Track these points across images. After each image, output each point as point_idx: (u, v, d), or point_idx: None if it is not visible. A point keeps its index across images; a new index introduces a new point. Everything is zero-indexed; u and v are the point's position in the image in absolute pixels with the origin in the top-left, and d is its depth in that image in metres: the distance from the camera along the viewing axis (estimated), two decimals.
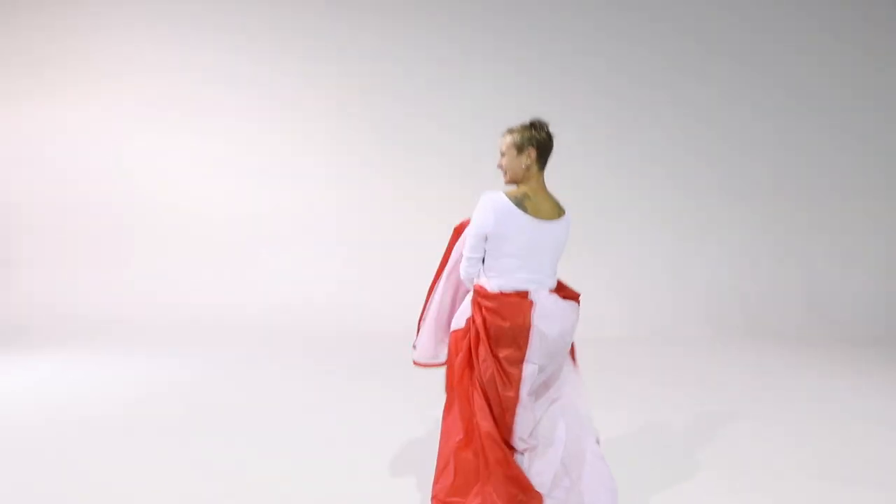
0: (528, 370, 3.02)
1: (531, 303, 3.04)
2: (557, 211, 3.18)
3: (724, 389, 6.06)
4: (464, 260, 3.18)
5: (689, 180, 9.47)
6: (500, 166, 3.23)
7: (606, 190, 9.27)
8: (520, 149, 3.15)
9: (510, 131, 3.20)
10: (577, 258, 7.35)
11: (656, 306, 8.96)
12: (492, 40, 8.84)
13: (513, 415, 2.99)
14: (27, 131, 8.85)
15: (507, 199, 3.06)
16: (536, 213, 3.09)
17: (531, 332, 3.00)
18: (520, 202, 3.07)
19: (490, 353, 3.02)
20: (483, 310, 3.06)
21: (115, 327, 8.02)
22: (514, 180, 3.21)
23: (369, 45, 8.75)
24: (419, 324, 3.48)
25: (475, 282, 3.19)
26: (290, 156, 8.85)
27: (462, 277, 3.25)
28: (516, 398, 3.01)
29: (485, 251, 3.11)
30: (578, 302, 3.26)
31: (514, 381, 3.01)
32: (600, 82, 9.13)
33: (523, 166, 3.16)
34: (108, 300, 8.47)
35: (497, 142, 3.27)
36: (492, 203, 3.05)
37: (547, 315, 3.05)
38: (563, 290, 3.24)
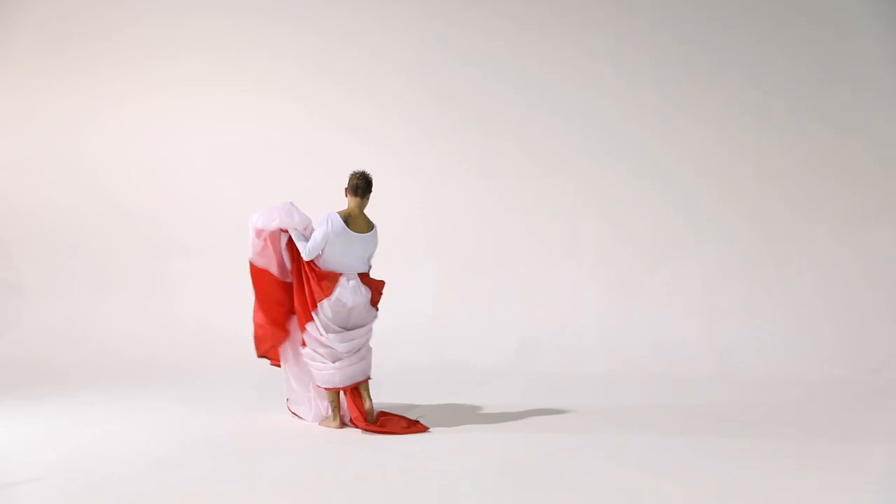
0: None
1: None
2: (368, 225, 5.34)
3: None
4: (312, 251, 5.16)
5: None
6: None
7: (804, 182, 8.08)
8: (346, 190, 5.40)
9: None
10: (763, 272, 7.80)
11: (872, 336, 7.60)
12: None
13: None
14: None
15: (339, 219, 5.20)
16: (357, 228, 5.26)
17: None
18: (346, 220, 5.23)
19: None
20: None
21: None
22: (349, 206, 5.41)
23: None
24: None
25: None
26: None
27: (306, 258, 5.19)
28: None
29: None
30: (377, 289, 5.36)
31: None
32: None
33: (348, 197, 5.38)
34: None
35: None
36: (331, 222, 5.17)
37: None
38: (366, 279, 5.31)
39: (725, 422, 5.48)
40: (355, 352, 5.20)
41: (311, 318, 5.16)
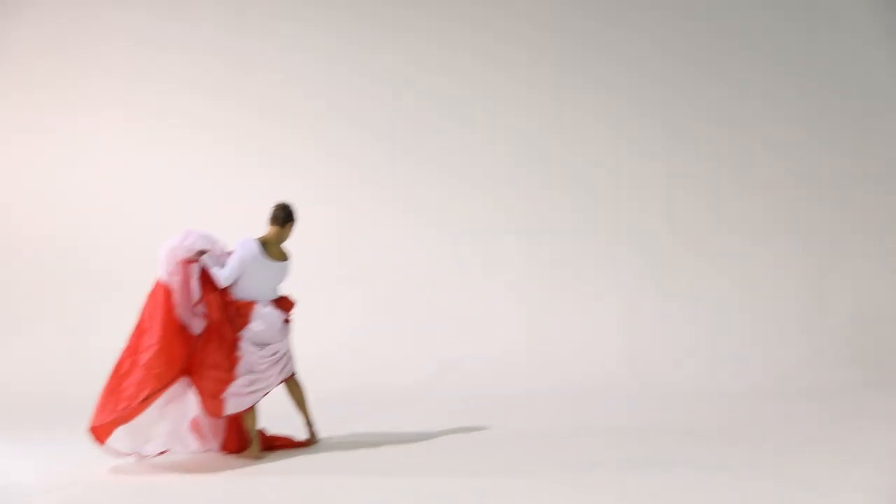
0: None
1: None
2: (283, 255, 5.41)
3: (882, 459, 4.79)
4: (229, 277, 5.13)
5: (822, 167, 8.18)
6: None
7: (714, 191, 8.26)
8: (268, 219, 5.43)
9: None
10: (680, 287, 7.81)
11: (786, 344, 7.74)
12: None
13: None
14: None
15: (256, 244, 5.27)
16: (272, 256, 5.31)
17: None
18: (263, 246, 5.29)
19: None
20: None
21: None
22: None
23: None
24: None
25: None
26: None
27: (223, 284, 5.13)
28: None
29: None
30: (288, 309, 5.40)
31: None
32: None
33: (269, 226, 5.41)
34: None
35: None
36: (247, 246, 5.22)
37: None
38: (277, 301, 5.36)
39: (647, 435, 5.52)
40: (276, 363, 5.21)
41: (237, 347, 5.07)
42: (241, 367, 5.05)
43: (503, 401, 6.84)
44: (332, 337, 7.06)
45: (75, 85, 8.32)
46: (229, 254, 5.20)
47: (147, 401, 4.79)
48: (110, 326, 7.28)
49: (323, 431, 5.65)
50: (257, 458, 5.09)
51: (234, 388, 4.99)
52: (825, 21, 8.15)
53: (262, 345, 5.15)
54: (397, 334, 7.80)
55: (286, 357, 5.33)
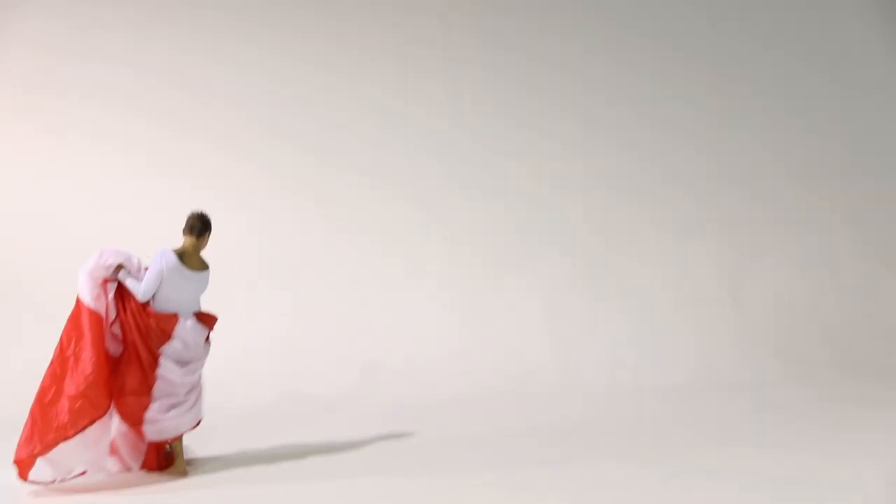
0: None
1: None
2: (203, 265, 5.24)
3: (805, 449, 5.03)
4: (148, 290, 4.97)
5: (742, 163, 8.35)
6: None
7: (636, 189, 8.32)
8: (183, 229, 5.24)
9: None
10: (603, 286, 7.87)
11: (710, 341, 7.82)
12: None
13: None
14: None
15: (174, 255, 5.09)
16: (191, 266, 5.14)
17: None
18: (181, 257, 5.12)
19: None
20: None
21: None
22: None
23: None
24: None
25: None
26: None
27: (142, 299, 4.97)
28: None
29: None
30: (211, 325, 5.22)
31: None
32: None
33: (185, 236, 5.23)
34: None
35: None
36: (164, 257, 5.04)
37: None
38: (200, 316, 5.18)
39: (570, 437, 5.56)
40: (194, 388, 5.06)
41: (156, 364, 4.87)
42: (159, 389, 4.87)
43: (430, 405, 6.79)
44: (255, 345, 6.87)
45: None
46: (146, 269, 5.01)
47: (82, 430, 4.61)
48: (22, 348, 7.20)
49: (249, 441, 5.58)
50: (182, 473, 4.95)
51: (151, 412, 4.82)
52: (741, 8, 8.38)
53: (183, 362, 4.99)
54: (320, 341, 7.65)
55: (198, 392, 5.11)
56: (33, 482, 4.64)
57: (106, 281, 4.94)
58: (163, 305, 4.98)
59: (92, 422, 4.64)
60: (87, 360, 4.70)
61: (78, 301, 4.86)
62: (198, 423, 5.07)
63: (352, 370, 7.44)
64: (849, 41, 8.46)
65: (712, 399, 6.61)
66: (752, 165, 8.32)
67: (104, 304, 4.86)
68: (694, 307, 8.01)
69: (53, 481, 4.68)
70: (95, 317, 4.79)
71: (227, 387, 5.48)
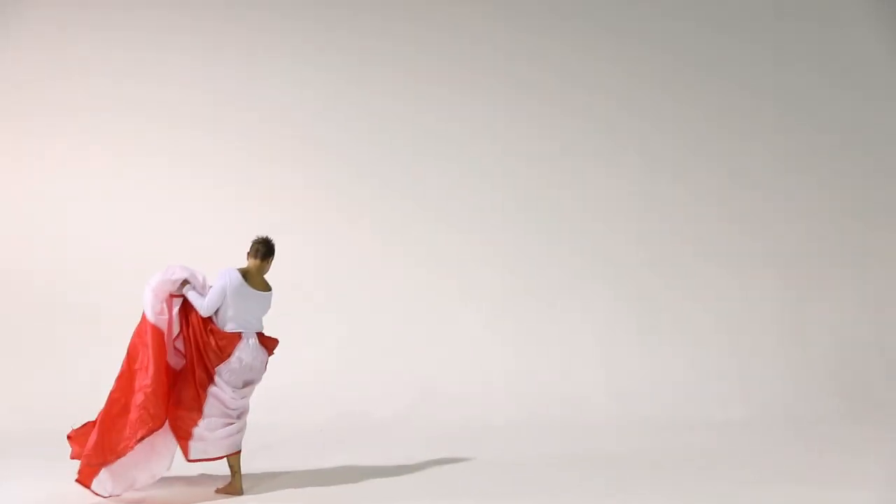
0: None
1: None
2: (266, 286, 5.35)
3: (871, 487, 4.87)
4: (210, 306, 5.11)
5: (802, 198, 8.20)
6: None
7: (694, 223, 8.24)
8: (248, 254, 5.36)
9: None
10: (660, 318, 7.84)
11: (767, 376, 7.67)
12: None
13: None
14: None
15: (238, 274, 5.21)
16: (254, 286, 5.25)
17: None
18: (244, 277, 5.22)
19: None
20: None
21: None
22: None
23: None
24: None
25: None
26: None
27: (204, 314, 5.11)
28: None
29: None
30: (271, 348, 5.31)
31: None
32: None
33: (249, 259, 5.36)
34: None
35: None
36: (229, 275, 5.18)
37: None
38: (262, 338, 5.28)
39: (622, 470, 5.49)
40: (245, 412, 5.15)
41: (209, 383, 4.97)
42: (209, 407, 4.96)
43: (482, 431, 6.79)
44: (310, 366, 6.94)
45: (53, 115, 8.25)
46: (211, 287, 5.14)
47: (141, 440, 4.74)
48: (89, 360, 7.37)
49: (303, 462, 5.67)
50: (238, 492, 5.02)
51: (199, 429, 4.91)
52: (812, 47, 8.26)
53: (237, 384, 5.06)
54: (375, 364, 7.72)
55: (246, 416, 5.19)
56: (94, 493, 4.77)
57: (172, 296, 5.06)
58: (225, 324, 5.07)
59: (150, 432, 4.76)
60: (148, 373, 4.85)
61: (143, 316, 5.02)
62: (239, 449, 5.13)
63: (406, 394, 7.46)
64: None
65: (770, 436, 6.47)
66: (811, 201, 8.15)
67: (166, 319, 4.99)
68: (753, 343, 7.84)
69: (110, 496, 4.80)
70: (156, 331, 4.93)
71: (283, 407, 5.56)
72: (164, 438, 4.91)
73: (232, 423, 5.02)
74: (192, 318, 5.05)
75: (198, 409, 4.92)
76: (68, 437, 5.05)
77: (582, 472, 5.45)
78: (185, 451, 4.94)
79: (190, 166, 8.22)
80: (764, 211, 8.16)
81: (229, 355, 5.00)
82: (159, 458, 4.92)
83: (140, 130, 8.26)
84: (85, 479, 4.78)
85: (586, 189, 8.22)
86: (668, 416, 7.13)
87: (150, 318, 4.97)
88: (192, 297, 5.06)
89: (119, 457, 4.72)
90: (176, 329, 5.04)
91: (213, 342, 5.00)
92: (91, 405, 5.32)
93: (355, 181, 8.20)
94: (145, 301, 5.02)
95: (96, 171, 8.26)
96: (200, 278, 5.18)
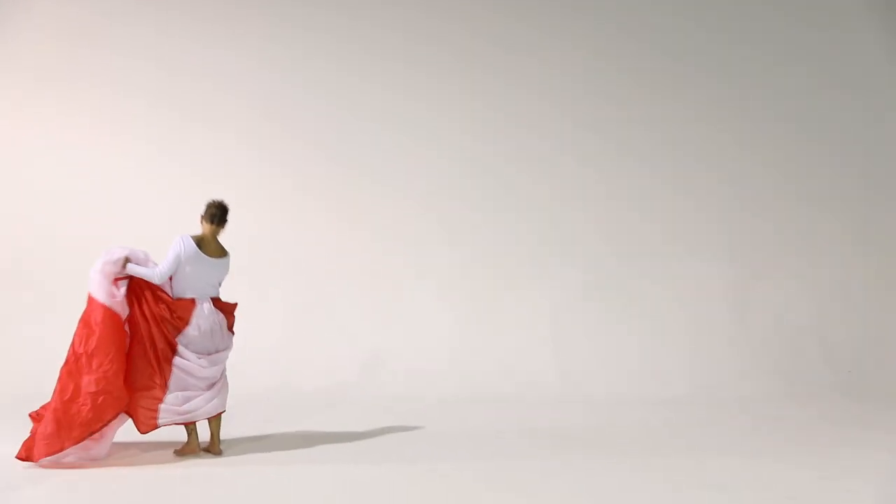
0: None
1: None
2: (222, 251, 5.37)
3: (803, 464, 5.05)
4: (164, 273, 5.10)
5: (755, 182, 8.37)
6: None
7: (647, 204, 8.33)
8: (201, 217, 5.36)
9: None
10: (611, 297, 7.94)
11: (713, 355, 7.84)
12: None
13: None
14: None
15: (192, 241, 5.22)
16: (209, 252, 5.27)
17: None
18: (199, 244, 5.25)
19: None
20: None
21: None
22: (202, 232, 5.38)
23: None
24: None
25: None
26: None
27: (158, 281, 5.09)
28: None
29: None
30: (230, 311, 5.39)
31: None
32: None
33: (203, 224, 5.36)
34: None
35: None
36: (183, 242, 5.19)
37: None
38: (218, 303, 5.34)
39: (568, 441, 5.61)
40: (219, 379, 5.19)
41: (173, 355, 4.99)
42: (175, 380, 4.98)
43: (429, 405, 6.84)
44: (259, 337, 6.82)
45: (13, 89, 8.03)
46: (153, 263, 5.13)
47: (107, 423, 4.82)
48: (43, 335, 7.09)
49: (251, 430, 5.69)
50: (196, 451, 5.12)
51: (166, 404, 4.95)
52: (772, 32, 8.36)
53: (202, 353, 5.08)
54: (322, 337, 7.70)
55: (223, 381, 5.23)
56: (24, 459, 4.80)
57: (117, 279, 5.03)
58: (180, 292, 5.10)
59: (116, 414, 4.87)
60: (106, 356, 4.85)
61: (90, 300, 4.98)
62: (220, 413, 5.18)
63: (352, 367, 7.49)
64: (863, 61, 8.45)
65: (712, 412, 6.63)
66: (764, 186, 8.30)
67: (119, 301, 4.98)
68: (699, 322, 7.99)
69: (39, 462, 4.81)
70: (109, 313, 4.93)
71: (236, 375, 5.54)
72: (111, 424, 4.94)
73: (200, 395, 5.03)
74: (145, 294, 5.04)
75: (160, 385, 4.93)
76: (31, 416, 5.00)
77: (527, 442, 5.57)
78: (150, 427, 4.94)
79: (144, 138, 8.04)
80: (718, 193, 8.29)
81: (187, 323, 5.04)
82: (100, 442, 4.91)
83: (96, 101, 8.05)
84: (31, 457, 4.78)
85: (543, 168, 8.23)
86: (616, 393, 7.25)
87: (104, 300, 4.95)
88: (139, 270, 5.04)
89: (79, 440, 4.75)
90: (126, 312, 5.01)
91: (167, 313, 5.02)
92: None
93: (314, 155, 8.11)
94: (93, 285, 4.98)
95: (58, 143, 8.01)
96: (141, 254, 5.15)
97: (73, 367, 4.87)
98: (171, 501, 4.29)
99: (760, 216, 8.29)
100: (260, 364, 6.24)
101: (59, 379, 4.89)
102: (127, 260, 5.03)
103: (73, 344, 4.94)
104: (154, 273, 5.00)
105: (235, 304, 5.39)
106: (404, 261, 8.04)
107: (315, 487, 4.47)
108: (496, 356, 7.69)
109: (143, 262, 5.09)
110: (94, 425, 4.76)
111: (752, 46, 8.37)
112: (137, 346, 4.98)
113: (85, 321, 4.95)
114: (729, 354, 7.82)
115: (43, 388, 5.20)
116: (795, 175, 8.35)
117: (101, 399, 4.76)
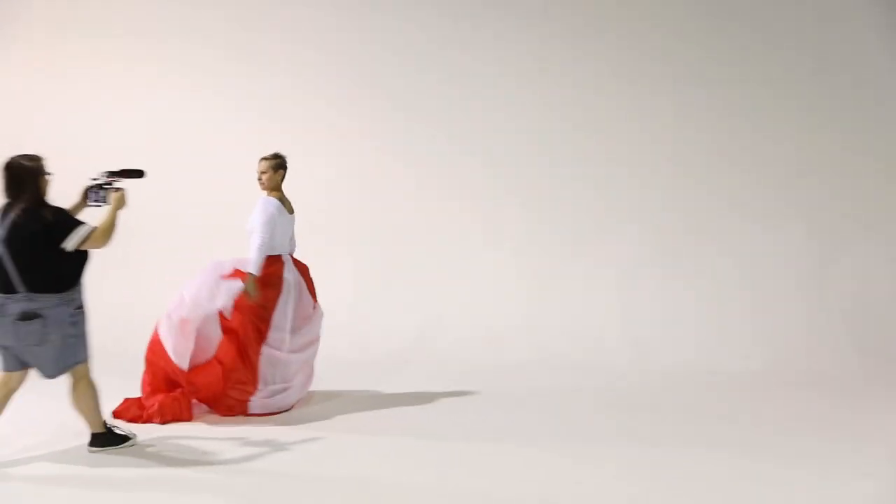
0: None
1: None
2: (291, 208, 5.48)
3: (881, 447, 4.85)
4: (264, 243, 5.14)
5: (827, 156, 7.96)
6: (260, 181, 5.38)
7: (719, 173, 8.06)
8: (275, 169, 5.35)
9: (266, 159, 5.36)
10: (680, 266, 7.77)
11: (784, 330, 7.55)
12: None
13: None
14: None
15: (276, 201, 5.31)
16: (288, 209, 5.42)
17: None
18: (281, 202, 5.36)
19: None
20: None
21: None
22: (272, 189, 5.38)
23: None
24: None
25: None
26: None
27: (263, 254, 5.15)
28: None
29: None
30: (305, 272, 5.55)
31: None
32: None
33: (280, 180, 5.41)
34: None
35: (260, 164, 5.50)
36: (272, 204, 5.26)
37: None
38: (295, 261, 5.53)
39: (637, 409, 5.61)
40: (302, 368, 5.34)
41: (262, 343, 5.09)
42: (263, 371, 5.08)
43: (496, 369, 6.88)
44: (326, 299, 6.52)
45: (74, 41, 8.38)
46: (232, 273, 5.16)
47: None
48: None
49: (320, 392, 5.80)
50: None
51: (255, 399, 5.07)
52: (831, 11, 7.93)
53: (288, 329, 5.17)
54: (390, 296, 7.80)
55: (308, 370, 5.43)
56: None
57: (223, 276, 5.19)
58: (267, 251, 5.19)
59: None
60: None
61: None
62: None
63: (418, 328, 7.57)
64: None
65: (782, 389, 6.44)
66: (836, 157, 7.91)
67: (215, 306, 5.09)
68: (771, 296, 7.73)
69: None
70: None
71: None
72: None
73: (288, 388, 5.18)
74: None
75: (252, 381, 5.03)
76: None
77: (592, 408, 5.61)
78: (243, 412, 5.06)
79: (214, 88, 8.29)
80: (792, 163, 7.98)
81: (280, 278, 5.19)
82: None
83: (163, 50, 8.32)
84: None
85: (615, 137, 8.07)
86: (682, 363, 7.13)
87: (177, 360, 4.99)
88: (245, 262, 5.11)
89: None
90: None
91: (261, 288, 5.06)
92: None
93: (384, 112, 8.14)
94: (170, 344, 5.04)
95: (122, 89, 8.35)
96: (219, 270, 5.24)
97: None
98: (236, 462, 4.40)
99: (837, 186, 7.87)
100: (328, 329, 6.29)
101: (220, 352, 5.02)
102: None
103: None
104: (258, 248, 5.06)
105: (307, 266, 5.54)
106: (473, 221, 8.05)
107: (371, 455, 4.58)
108: (561, 322, 7.64)
109: (209, 299, 5.06)
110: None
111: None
112: (227, 344, 5.03)
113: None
114: (804, 328, 7.56)
115: None
116: (870, 147, 7.88)
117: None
